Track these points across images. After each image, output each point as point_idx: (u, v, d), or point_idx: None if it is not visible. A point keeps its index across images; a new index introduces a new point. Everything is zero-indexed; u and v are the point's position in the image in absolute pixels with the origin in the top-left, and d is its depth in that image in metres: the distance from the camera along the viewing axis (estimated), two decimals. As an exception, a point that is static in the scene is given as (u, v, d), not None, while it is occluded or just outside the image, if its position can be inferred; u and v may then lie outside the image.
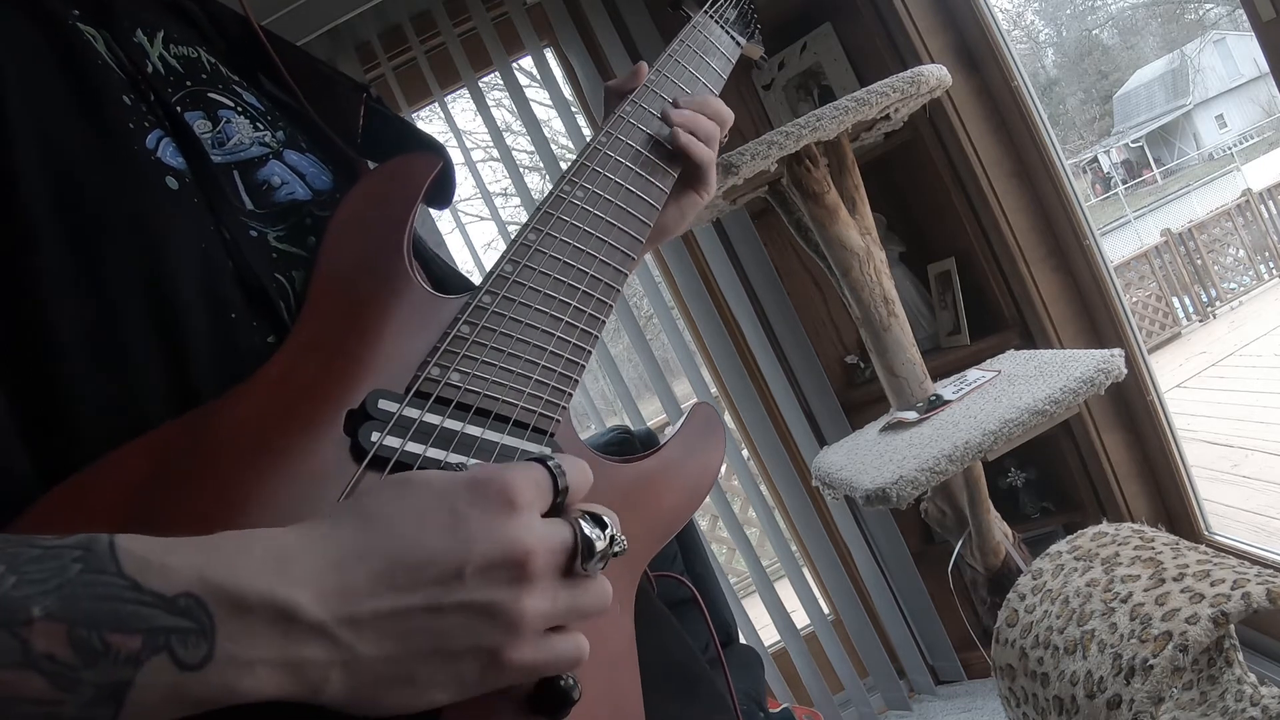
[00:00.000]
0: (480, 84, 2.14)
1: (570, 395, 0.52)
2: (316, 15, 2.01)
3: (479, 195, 2.28)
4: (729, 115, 0.71)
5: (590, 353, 0.54)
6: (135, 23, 0.54)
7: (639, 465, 0.54)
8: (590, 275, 0.56)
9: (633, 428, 2.02)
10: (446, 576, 0.36)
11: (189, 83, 0.54)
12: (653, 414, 3.67)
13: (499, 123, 2.22)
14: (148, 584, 0.32)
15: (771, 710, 1.76)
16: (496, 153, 2.20)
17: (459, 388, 0.47)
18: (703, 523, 3.75)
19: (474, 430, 0.47)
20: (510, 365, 0.50)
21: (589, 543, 0.40)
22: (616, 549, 0.41)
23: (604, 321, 0.55)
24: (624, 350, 6.73)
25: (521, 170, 2.19)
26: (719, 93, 0.73)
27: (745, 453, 2.35)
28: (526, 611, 0.37)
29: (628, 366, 6.35)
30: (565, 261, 0.55)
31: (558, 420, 0.51)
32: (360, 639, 0.35)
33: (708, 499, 2.75)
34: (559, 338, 0.52)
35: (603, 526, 0.40)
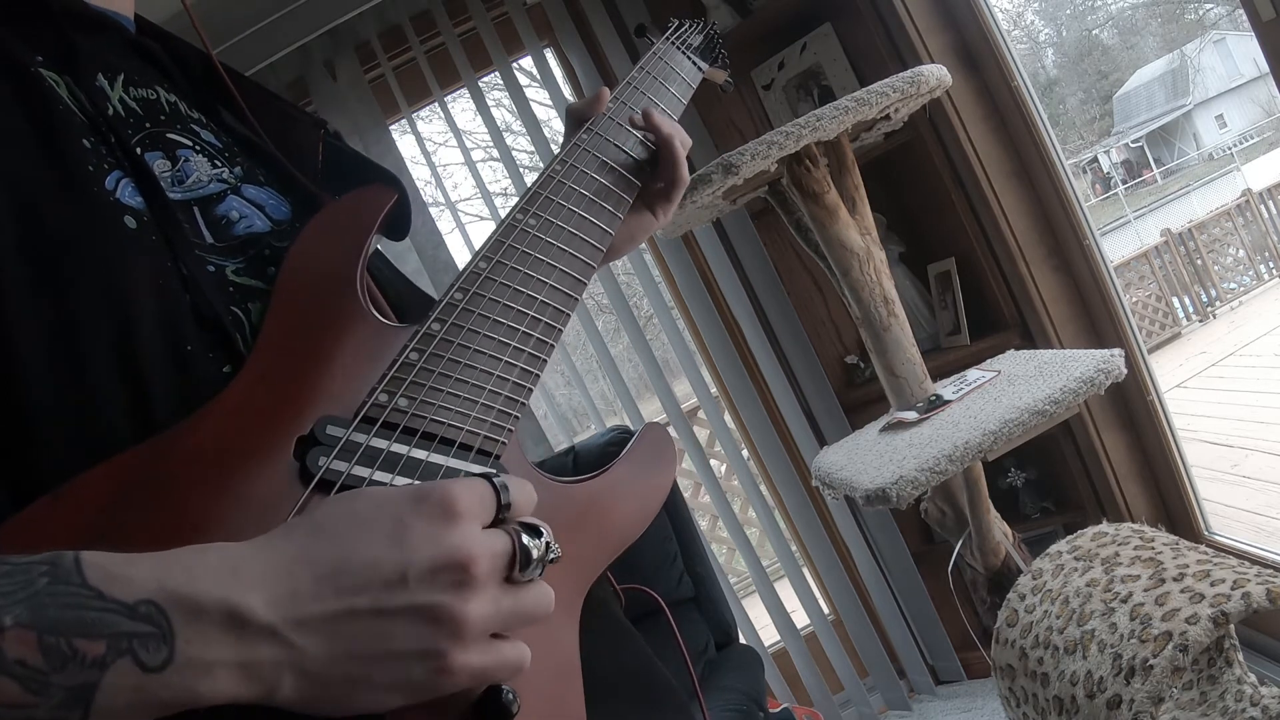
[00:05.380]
0: (480, 84, 2.14)
1: (517, 418, 0.53)
2: (316, 15, 2.01)
3: (479, 195, 2.28)
4: (688, 141, 0.72)
5: (538, 376, 0.55)
6: (97, 67, 0.55)
7: (589, 485, 0.56)
8: (540, 301, 0.57)
9: (632, 428, 2.02)
10: (391, 580, 0.38)
11: (148, 124, 0.56)
12: (653, 414, 3.66)
13: (499, 123, 2.22)
14: (110, 593, 0.34)
15: (771, 710, 1.76)
16: (496, 153, 2.20)
17: (406, 412, 0.49)
18: (703, 523, 3.75)
19: (420, 453, 0.48)
20: (457, 390, 0.51)
21: (526, 550, 0.42)
22: (552, 556, 0.43)
23: (552, 345, 0.57)
24: (624, 350, 6.73)
25: (521, 170, 2.19)
26: (678, 117, 0.75)
27: (745, 453, 2.35)
28: (470, 614, 0.39)
29: (628, 366, 6.36)
30: (515, 288, 0.56)
31: (504, 443, 0.52)
32: (309, 640, 0.37)
33: (708, 499, 2.74)
34: (506, 362, 0.54)
35: (538, 535, 0.43)
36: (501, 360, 0.53)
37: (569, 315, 0.59)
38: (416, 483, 0.47)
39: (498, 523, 0.42)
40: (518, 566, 0.41)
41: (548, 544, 0.43)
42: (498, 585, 0.41)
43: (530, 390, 0.54)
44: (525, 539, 0.42)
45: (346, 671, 0.37)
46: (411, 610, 0.38)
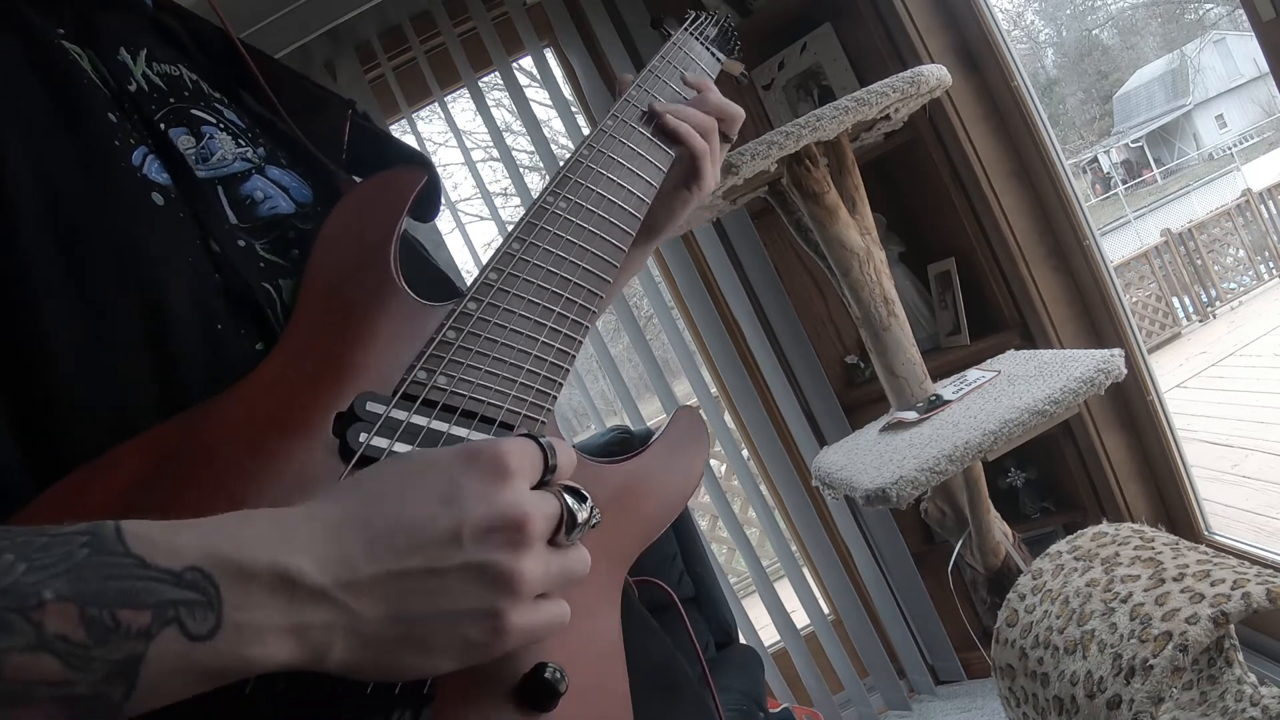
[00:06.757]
0: (480, 84, 2.14)
1: (554, 398, 0.53)
2: (316, 15, 2.01)
3: (479, 195, 2.28)
4: (735, 111, 0.72)
5: (574, 356, 0.55)
6: (119, 42, 0.55)
7: (623, 467, 0.56)
8: (574, 282, 0.57)
9: (632, 428, 2.02)
10: (444, 539, 0.37)
11: (172, 100, 0.55)
12: (653, 414, 3.67)
13: (499, 123, 2.22)
14: (154, 561, 0.33)
15: (771, 710, 1.76)
16: (496, 153, 2.20)
17: (445, 390, 0.49)
18: (703, 523, 3.75)
19: (460, 431, 0.48)
20: (495, 369, 0.51)
21: (572, 513, 0.41)
22: (594, 521, 0.43)
23: (588, 327, 0.57)
24: (624, 350, 6.73)
25: (521, 170, 2.19)
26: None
27: (745, 453, 2.35)
28: (525, 573, 0.38)
29: (628, 366, 6.35)
30: (548, 269, 0.56)
31: (542, 422, 0.52)
32: (361, 602, 0.36)
33: (708, 499, 2.76)
34: (543, 342, 0.54)
35: (582, 499, 0.42)
36: (538, 340, 0.53)
37: (602, 297, 0.58)
38: (463, 441, 0.46)
39: (542, 484, 0.42)
40: (564, 529, 0.41)
41: (591, 508, 0.42)
42: (545, 545, 0.40)
43: (566, 370, 0.54)
44: (571, 501, 0.41)
45: (400, 633, 0.37)
46: (467, 569, 0.37)
